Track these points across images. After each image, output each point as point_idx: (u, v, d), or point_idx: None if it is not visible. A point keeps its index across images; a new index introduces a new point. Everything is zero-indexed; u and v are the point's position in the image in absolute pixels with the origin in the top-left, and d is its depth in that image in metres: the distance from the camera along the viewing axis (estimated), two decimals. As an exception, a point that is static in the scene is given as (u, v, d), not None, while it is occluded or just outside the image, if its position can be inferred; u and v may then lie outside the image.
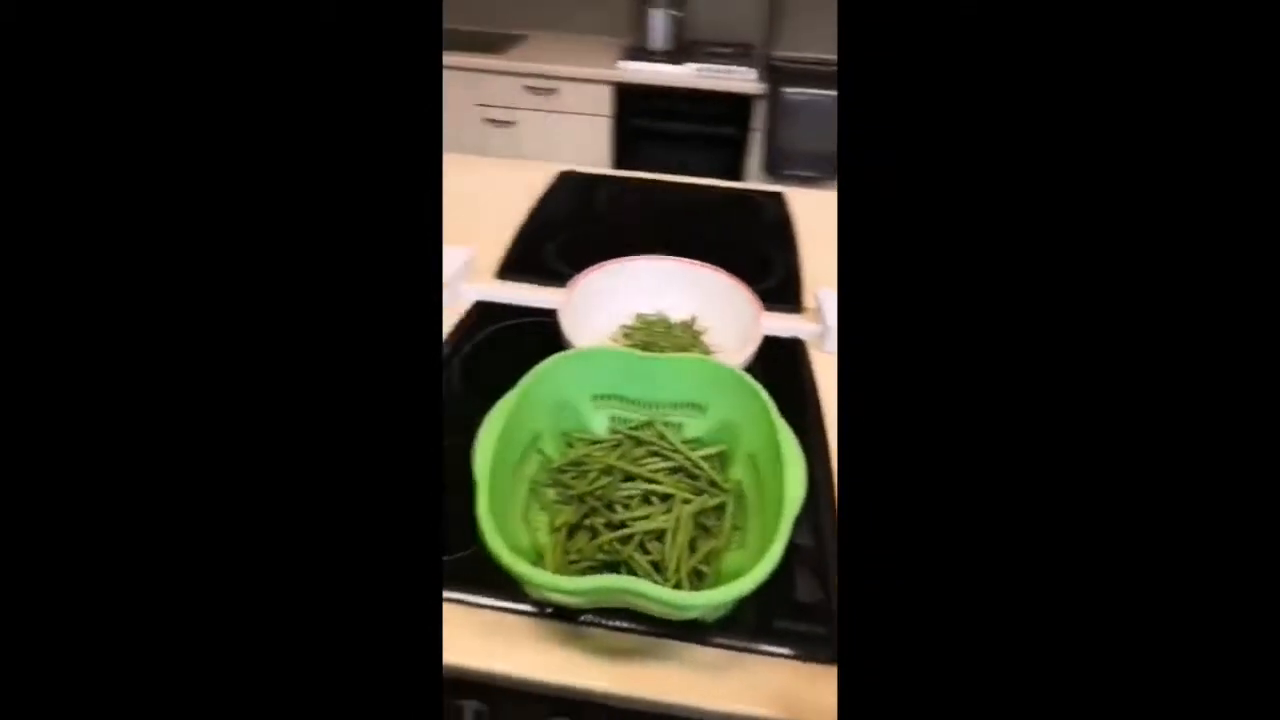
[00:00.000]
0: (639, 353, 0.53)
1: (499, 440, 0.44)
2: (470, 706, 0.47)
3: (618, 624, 0.44)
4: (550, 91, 1.86)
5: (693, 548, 0.46)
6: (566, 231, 0.90)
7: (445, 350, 0.68)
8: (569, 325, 0.62)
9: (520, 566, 0.37)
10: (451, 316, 0.73)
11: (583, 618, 0.44)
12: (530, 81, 1.85)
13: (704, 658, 0.43)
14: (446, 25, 2.10)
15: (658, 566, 0.44)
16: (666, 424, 0.53)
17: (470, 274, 0.79)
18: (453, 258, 0.77)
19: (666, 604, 0.37)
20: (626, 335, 0.68)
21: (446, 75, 1.86)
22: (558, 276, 0.77)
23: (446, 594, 0.46)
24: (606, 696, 0.42)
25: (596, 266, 0.71)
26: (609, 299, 0.70)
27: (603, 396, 0.55)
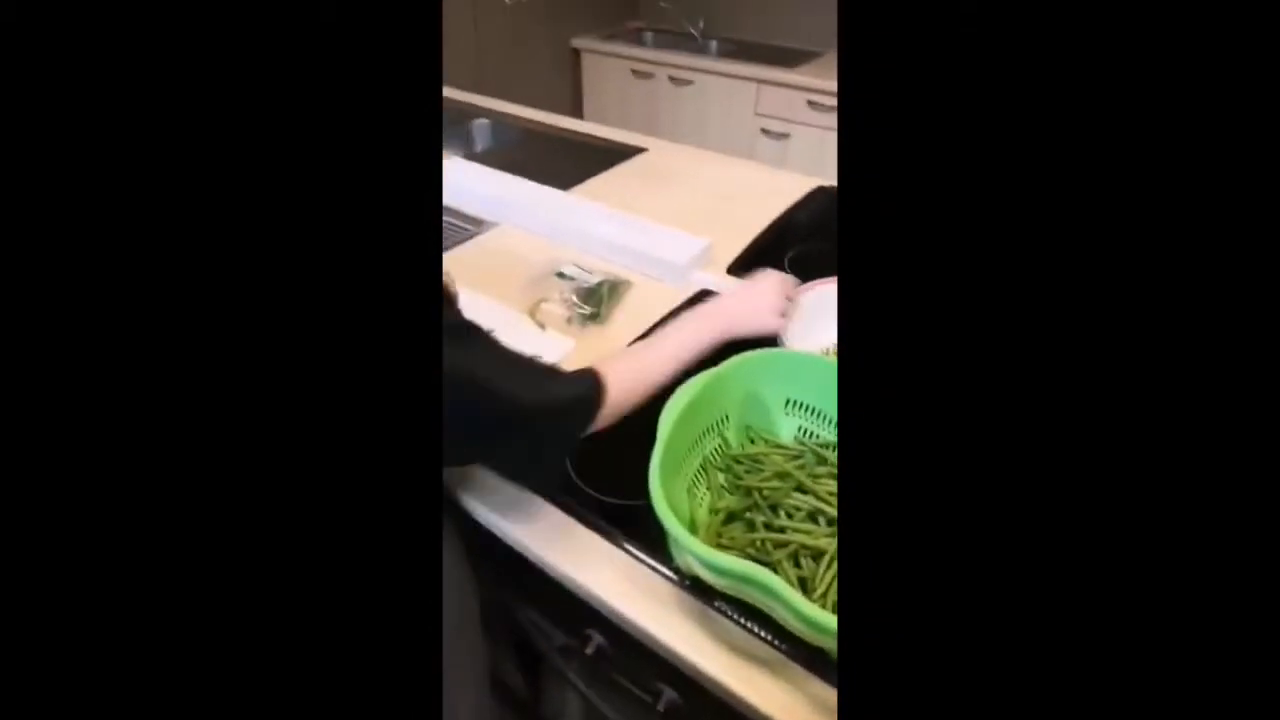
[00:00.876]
0: (847, 371, 0.51)
1: (685, 409, 0.47)
2: (595, 638, 0.51)
3: (748, 623, 0.44)
4: (831, 109, 1.83)
5: (848, 581, 0.43)
6: (807, 243, 0.89)
7: (659, 327, 0.72)
8: (785, 329, 0.62)
9: (675, 525, 0.39)
10: (677, 297, 0.77)
11: (716, 604, 0.45)
12: (814, 97, 1.85)
13: (821, 694, 0.41)
14: (744, 38, 2.20)
15: (805, 584, 0.43)
16: (856, 451, 0.51)
17: (704, 263, 0.83)
18: (690, 245, 0.82)
19: (804, 618, 0.36)
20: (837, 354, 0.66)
21: (731, 84, 1.95)
22: (786, 282, 0.77)
23: (608, 532, 0.50)
24: (715, 684, 0.42)
25: (827, 280, 0.69)
26: (832, 315, 0.68)
27: (797, 404, 0.54)
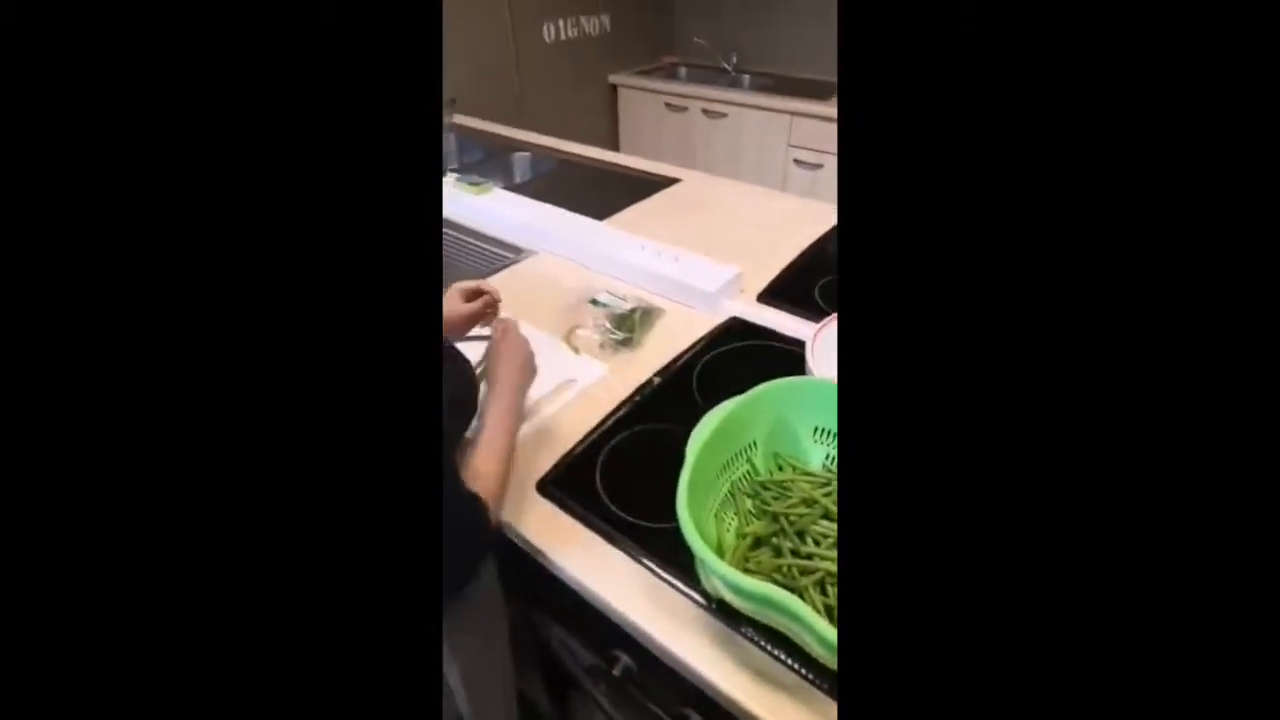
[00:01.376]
0: (876, 400, 0.52)
1: (714, 433, 0.48)
2: (623, 659, 0.51)
3: (772, 649, 0.44)
4: (863, 140, 1.85)
5: (875, 610, 0.43)
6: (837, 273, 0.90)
7: (690, 353, 0.74)
8: (814, 357, 0.63)
9: (703, 548, 0.40)
10: (707, 324, 0.79)
11: (743, 628, 0.45)
12: (846, 128, 1.87)
13: (853, 725, 0.40)
14: (776, 71, 2.24)
15: (831, 612, 0.43)
16: (885, 480, 0.51)
17: (735, 291, 0.85)
18: (720, 273, 0.84)
19: (828, 643, 0.36)
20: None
21: (764, 116, 1.99)
22: (817, 311, 0.78)
23: (638, 554, 0.51)
24: (739, 708, 0.42)
25: (858, 309, 0.70)
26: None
27: (826, 432, 0.55)
